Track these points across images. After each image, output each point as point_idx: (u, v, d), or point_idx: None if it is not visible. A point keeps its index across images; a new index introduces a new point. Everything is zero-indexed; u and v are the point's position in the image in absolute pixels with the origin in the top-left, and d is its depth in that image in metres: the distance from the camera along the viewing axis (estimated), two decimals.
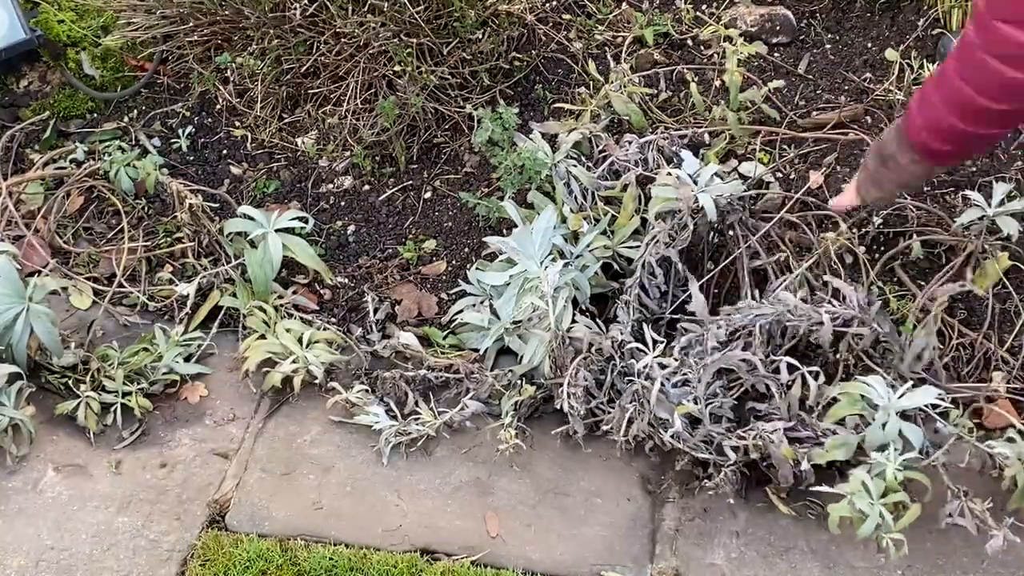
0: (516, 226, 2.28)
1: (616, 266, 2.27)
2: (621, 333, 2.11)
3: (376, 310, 2.38)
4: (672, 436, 1.99)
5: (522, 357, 2.21)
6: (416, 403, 2.21)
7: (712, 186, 2.15)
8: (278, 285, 2.43)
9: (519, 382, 2.17)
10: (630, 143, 2.31)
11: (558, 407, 2.13)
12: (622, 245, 2.24)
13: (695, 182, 2.16)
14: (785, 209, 2.22)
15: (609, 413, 2.09)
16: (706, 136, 2.40)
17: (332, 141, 2.69)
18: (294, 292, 2.45)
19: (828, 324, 1.98)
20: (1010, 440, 1.93)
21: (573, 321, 2.15)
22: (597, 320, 2.21)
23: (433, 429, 2.17)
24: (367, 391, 2.24)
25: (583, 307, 2.22)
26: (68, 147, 2.76)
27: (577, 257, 2.23)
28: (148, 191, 2.61)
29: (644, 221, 2.23)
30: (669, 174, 2.18)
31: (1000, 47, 1.55)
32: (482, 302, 2.31)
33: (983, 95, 1.63)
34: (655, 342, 2.05)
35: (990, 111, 1.64)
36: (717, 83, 2.52)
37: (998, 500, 1.91)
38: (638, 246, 2.20)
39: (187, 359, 2.35)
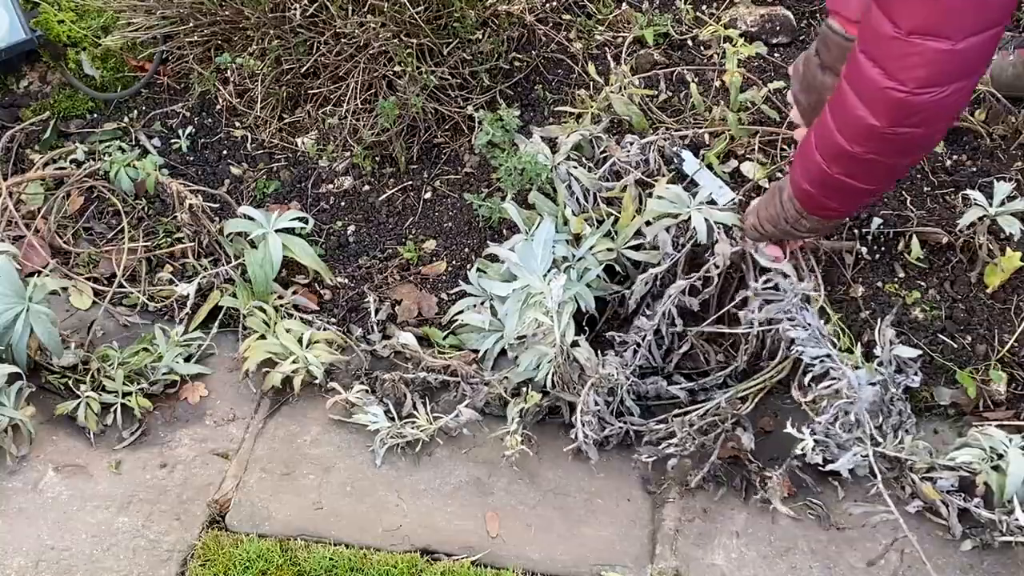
0: (516, 226, 2.28)
1: (618, 268, 2.27)
2: (626, 367, 2.12)
3: (377, 311, 2.38)
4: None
5: (517, 359, 2.19)
6: (414, 405, 2.21)
7: (705, 209, 2.16)
8: (278, 285, 2.43)
9: (525, 389, 2.17)
10: (631, 144, 2.31)
11: (567, 422, 2.15)
12: (625, 247, 2.23)
13: (693, 195, 2.17)
14: None
15: (618, 430, 2.12)
16: (706, 136, 2.40)
17: (332, 141, 2.69)
18: (294, 292, 2.45)
19: None
20: None
21: (575, 342, 2.13)
22: (597, 326, 2.21)
23: (427, 435, 2.17)
24: (367, 391, 2.24)
25: (584, 308, 2.20)
26: (68, 147, 2.75)
27: (579, 260, 2.22)
28: (148, 191, 2.61)
29: (648, 223, 2.22)
30: (667, 187, 2.19)
31: (855, 77, 1.51)
32: (482, 303, 2.31)
33: (839, 130, 1.58)
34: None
35: (846, 153, 1.59)
36: (717, 83, 2.52)
37: None
38: (640, 245, 2.20)
39: (187, 359, 2.35)
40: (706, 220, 2.12)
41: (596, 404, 2.08)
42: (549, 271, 2.15)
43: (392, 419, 2.19)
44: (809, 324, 2.00)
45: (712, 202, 2.19)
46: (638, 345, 2.15)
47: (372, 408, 2.18)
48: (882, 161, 1.60)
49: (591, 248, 2.22)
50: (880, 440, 1.94)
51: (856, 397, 1.92)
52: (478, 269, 2.37)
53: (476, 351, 2.30)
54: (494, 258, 2.33)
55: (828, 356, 1.97)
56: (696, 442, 2.05)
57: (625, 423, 2.13)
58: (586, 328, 2.26)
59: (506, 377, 2.20)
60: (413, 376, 2.23)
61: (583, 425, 2.06)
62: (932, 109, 1.47)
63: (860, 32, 1.50)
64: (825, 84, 1.78)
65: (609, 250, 2.22)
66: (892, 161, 1.61)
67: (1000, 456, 1.94)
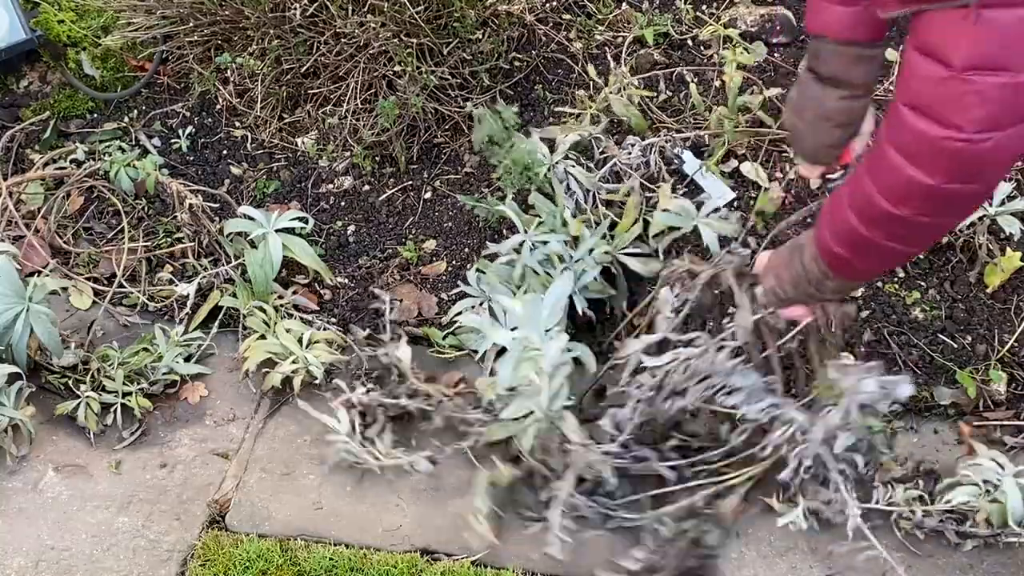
0: (516, 226, 2.27)
1: (614, 270, 2.26)
2: (613, 439, 1.99)
3: (392, 309, 2.35)
4: None
5: (503, 409, 2.05)
6: (381, 430, 2.15)
7: (710, 221, 2.15)
8: (278, 285, 2.43)
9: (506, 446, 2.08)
10: (632, 146, 2.31)
11: (538, 496, 2.06)
12: (622, 251, 2.22)
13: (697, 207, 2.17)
14: (799, 215, 2.15)
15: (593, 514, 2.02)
16: (706, 137, 2.40)
17: (332, 141, 2.69)
18: (294, 292, 2.45)
19: None
20: None
21: (564, 410, 2.01)
22: (593, 330, 2.20)
23: (378, 468, 2.12)
24: (367, 392, 2.23)
25: (581, 311, 2.20)
26: (68, 147, 2.75)
27: (577, 261, 2.22)
28: (148, 191, 2.61)
29: (647, 224, 2.22)
30: (672, 199, 2.17)
31: (898, 135, 1.35)
32: (481, 304, 2.30)
33: (882, 193, 1.42)
34: None
35: (890, 216, 1.42)
36: (717, 83, 2.52)
37: None
38: (639, 252, 2.20)
39: (187, 359, 2.35)
40: (713, 232, 2.11)
41: (572, 496, 1.97)
42: (553, 328, 2.01)
43: (355, 433, 2.14)
44: (743, 384, 1.86)
45: (715, 210, 2.18)
46: (637, 402, 1.98)
47: (341, 414, 2.14)
48: (930, 222, 1.44)
49: (590, 251, 2.21)
50: (860, 474, 1.91)
51: (808, 438, 1.81)
52: (478, 269, 2.37)
53: (475, 351, 2.29)
54: (494, 259, 2.32)
55: (773, 405, 1.85)
56: (663, 550, 1.95)
57: (600, 511, 2.02)
58: (587, 326, 2.26)
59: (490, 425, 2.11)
60: (391, 403, 2.17)
61: (559, 518, 1.95)
62: (992, 157, 1.32)
63: (899, 87, 1.36)
64: (826, 95, 1.63)
65: (605, 253, 2.21)
66: (940, 221, 1.46)
67: (996, 487, 1.91)
